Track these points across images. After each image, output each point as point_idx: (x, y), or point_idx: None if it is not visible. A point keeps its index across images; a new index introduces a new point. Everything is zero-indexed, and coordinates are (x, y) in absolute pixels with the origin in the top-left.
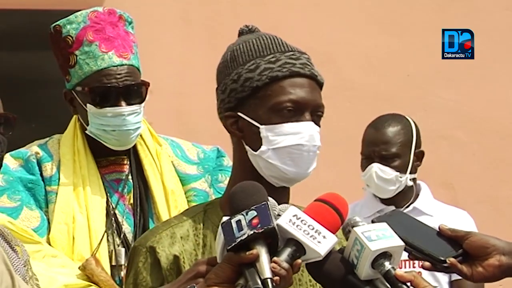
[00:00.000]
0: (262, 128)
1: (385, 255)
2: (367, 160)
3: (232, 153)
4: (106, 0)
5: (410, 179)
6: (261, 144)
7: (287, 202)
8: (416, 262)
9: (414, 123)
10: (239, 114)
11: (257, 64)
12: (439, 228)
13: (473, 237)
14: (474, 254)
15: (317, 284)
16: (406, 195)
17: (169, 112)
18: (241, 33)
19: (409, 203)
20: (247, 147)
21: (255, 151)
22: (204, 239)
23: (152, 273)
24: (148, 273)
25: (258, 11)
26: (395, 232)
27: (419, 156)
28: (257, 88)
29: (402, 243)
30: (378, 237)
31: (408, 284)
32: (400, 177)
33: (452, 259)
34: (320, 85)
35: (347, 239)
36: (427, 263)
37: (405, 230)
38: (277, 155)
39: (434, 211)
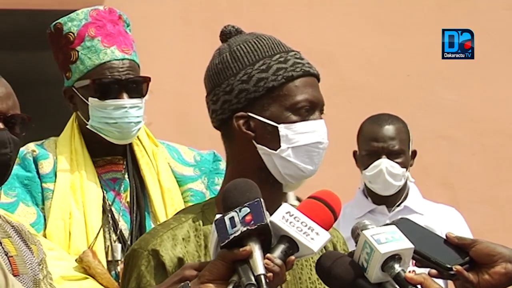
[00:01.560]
0: (281, 127)
1: (395, 257)
2: (370, 156)
3: (229, 153)
4: (106, 0)
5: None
6: (280, 143)
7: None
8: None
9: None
10: (250, 114)
11: (267, 64)
12: (445, 236)
13: (480, 245)
14: (481, 261)
15: (317, 281)
16: (398, 194)
17: (169, 112)
18: (228, 33)
19: (400, 202)
20: (260, 147)
21: (274, 150)
22: (206, 240)
23: (156, 276)
24: (152, 276)
25: (258, 11)
26: None
27: (413, 154)
28: (273, 88)
29: (412, 246)
30: (388, 239)
31: (419, 286)
32: (404, 174)
33: (459, 267)
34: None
35: (356, 243)
36: (433, 271)
37: (412, 238)
38: (296, 153)
39: (424, 210)
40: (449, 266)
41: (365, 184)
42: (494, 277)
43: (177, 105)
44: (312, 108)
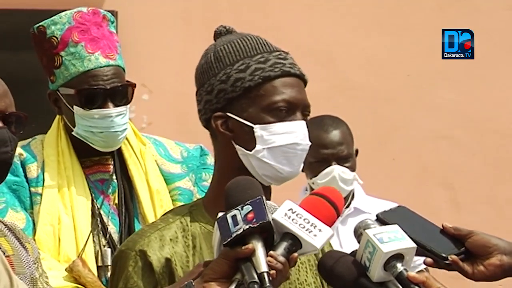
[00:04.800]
0: (256, 127)
1: (397, 256)
2: (320, 163)
3: (216, 152)
4: (106, 0)
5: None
6: (255, 144)
7: (269, 199)
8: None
9: None
10: (229, 114)
11: (246, 64)
12: (442, 226)
13: (475, 236)
14: (476, 252)
15: (314, 284)
16: (346, 196)
17: (169, 112)
18: (219, 33)
19: (348, 203)
20: (238, 147)
21: (250, 150)
22: (194, 241)
23: (143, 277)
24: (139, 277)
25: (258, 11)
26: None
27: (356, 153)
28: (249, 88)
29: (414, 245)
30: (390, 239)
31: (421, 285)
32: (355, 177)
33: (454, 257)
34: (305, 84)
35: (358, 242)
36: (429, 259)
37: (408, 226)
38: (272, 154)
39: (371, 208)
40: (444, 255)
41: (310, 188)
42: (489, 268)
43: (177, 105)
44: (291, 109)
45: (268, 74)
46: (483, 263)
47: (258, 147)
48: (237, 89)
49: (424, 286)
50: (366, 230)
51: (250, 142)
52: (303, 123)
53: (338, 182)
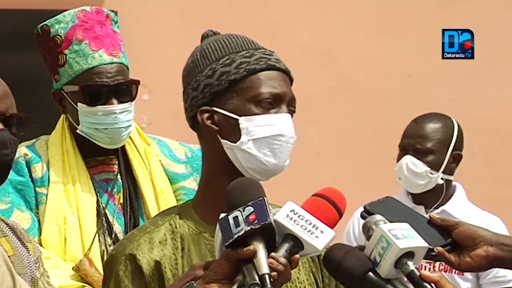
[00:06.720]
0: (242, 119)
1: (409, 254)
2: (402, 152)
3: (203, 152)
4: (106, 0)
5: (441, 179)
6: (241, 136)
7: None
8: (437, 264)
9: (459, 126)
10: (215, 108)
11: (232, 59)
12: (429, 216)
13: (462, 227)
14: (462, 243)
15: (306, 281)
16: (437, 195)
17: (169, 112)
18: (206, 36)
19: (438, 204)
20: (223, 141)
21: (235, 143)
22: (182, 243)
23: (134, 280)
24: (130, 281)
25: (258, 11)
26: (386, 218)
27: (456, 158)
28: (235, 81)
29: (427, 244)
30: (404, 236)
31: (433, 285)
32: (431, 174)
33: (440, 248)
34: (291, 81)
35: (367, 238)
36: None
37: (396, 217)
38: (256, 146)
39: (465, 216)
40: (430, 246)
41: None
42: (475, 259)
43: (177, 105)
44: (275, 102)
45: (253, 67)
46: (469, 254)
47: (243, 138)
48: (223, 83)
49: (437, 286)
50: (380, 226)
51: (235, 134)
52: (288, 116)
53: (404, 171)
